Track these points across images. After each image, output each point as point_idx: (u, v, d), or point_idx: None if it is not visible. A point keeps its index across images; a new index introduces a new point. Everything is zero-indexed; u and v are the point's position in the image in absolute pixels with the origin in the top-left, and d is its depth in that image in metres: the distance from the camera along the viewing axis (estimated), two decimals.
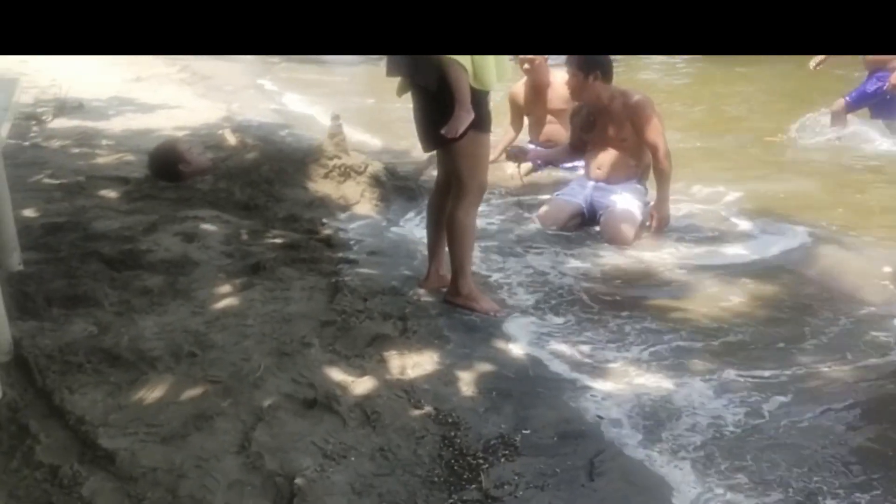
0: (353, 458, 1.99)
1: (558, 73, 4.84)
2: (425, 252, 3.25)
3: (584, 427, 2.23)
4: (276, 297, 2.88)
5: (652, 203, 4.01)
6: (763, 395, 2.42)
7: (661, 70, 9.57)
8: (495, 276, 3.36)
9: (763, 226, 4.11)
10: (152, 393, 2.22)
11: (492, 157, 5.18)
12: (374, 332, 2.64)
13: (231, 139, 5.20)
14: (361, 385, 2.33)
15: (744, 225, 4.14)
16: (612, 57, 4.01)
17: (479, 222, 3.66)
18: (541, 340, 2.78)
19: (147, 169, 4.31)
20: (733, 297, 3.22)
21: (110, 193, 4.10)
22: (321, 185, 4.23)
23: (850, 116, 5.94)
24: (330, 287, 3.00)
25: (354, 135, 5.74)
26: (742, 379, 2.52)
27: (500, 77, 2.86)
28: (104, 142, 5.40)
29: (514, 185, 4.92)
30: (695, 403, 2.38)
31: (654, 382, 2.50)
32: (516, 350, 2.68)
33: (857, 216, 4.23)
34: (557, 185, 4.64)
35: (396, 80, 2.94)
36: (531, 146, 5.12)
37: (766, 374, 2.56)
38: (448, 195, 3.04)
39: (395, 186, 4.38)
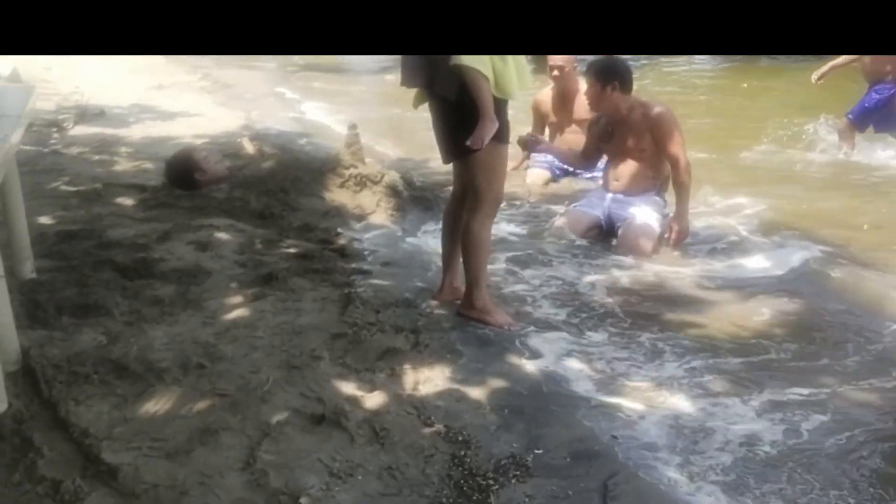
0: (359, 477, 1.94)
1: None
2: (440, 263, 3.20)
3: (598, 447, 2.16)
4: (287, 308, 2.85)
5: (671, 215, 3.93)
6: (787, 414, 2.35)
7: (681, 81, 9.47)
8: (509, 289, 3.30)
9: (782, 240, 4.02)
10: (158, 406, 2.19)
11: (513, 165, 5.18)
12: (386, 346, 2.59)
13: (249, 147, 5.20)
14: (371, 400, 2.28)
15: (763, 238, 4.05)
16: (634, 65, 3.95)
17: (495, 233, 3.62)
18: (555, 355, 2.72)
19: (164, 177, 4.30)
20: (753, 313, 3.14)
21: (126, 201, 4.10)
22: (337, 195, 4.21)
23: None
24: (342, 298, 2.96)
25: (373, 144, 5.72)
26: (767, 399, 2.45)
27: (521, 86, 2.82)
28: (123, 149, 5.42)
29: (532, 195, 4.87)
30: (717, 422, 2.31)
31: (674, 401, 2.43)
32: (530, 365, 2.62)
33: (875, 232, 4.15)
34: (576, 195, 4.58)
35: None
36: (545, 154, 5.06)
37: (789, 393, 2.48)
38: (464, 206, 3.00)
39: (411, 196, 4.34)
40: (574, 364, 2.67)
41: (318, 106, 8.37)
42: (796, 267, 3.64)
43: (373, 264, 3.42)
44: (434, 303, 3.04)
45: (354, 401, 2.27)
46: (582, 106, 4.88)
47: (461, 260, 2.99)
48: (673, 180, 3.92)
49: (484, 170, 2.83)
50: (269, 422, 2.12)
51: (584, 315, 3.08)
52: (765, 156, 5.84)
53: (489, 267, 3.07)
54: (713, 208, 4.63)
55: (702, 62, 10.84)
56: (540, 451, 2.11)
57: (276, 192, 4.12)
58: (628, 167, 3.99)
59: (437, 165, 3.82)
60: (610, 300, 3.23)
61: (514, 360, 2.65)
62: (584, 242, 3.93)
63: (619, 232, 3.93)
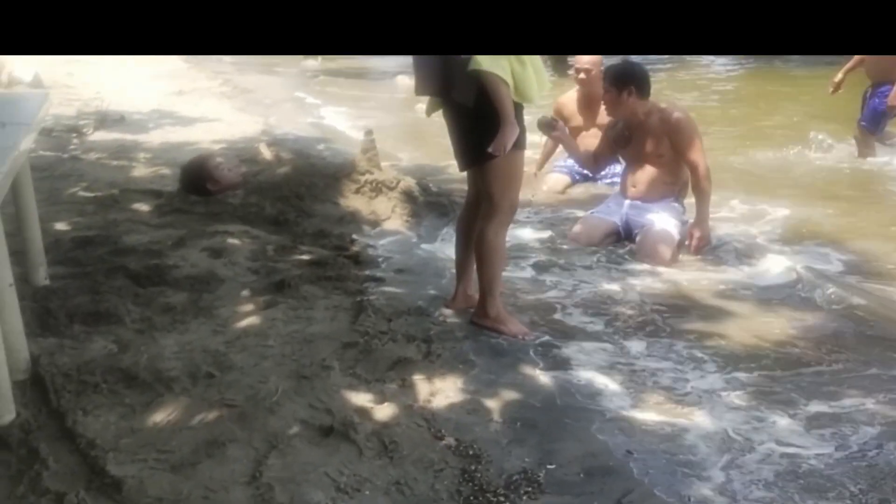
0: (367, 492, 1.90)
1: None
2: (454, 270, 3.15)
3: (612, 463, 2.10)
4: (298, 316, 2.82)
5: (691, 222, 3.86)
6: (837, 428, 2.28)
7: (700, 86, 9.36)
8: (523, 297, 3.25)
9: (806, 247, 3.95)
10: (166, 416, 2.16)
11: (533, 170, 5.13)
12: (397, 356, 2.55)
13: (266, 153, 5.20)
14: (380, 412, 2.24)
15: (786, 246, 3.97)
16: (651, 69, 3.89)
17: (511, 239, 3.58)
18: (570, 366, 2.66)
19: (178, 184, 4.31)
20: (777, 323, 3.06)
21: (142, 207, 4.11)
22: (352, 201, 4.18)
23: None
24: (354, 306, 2.93)
25: (391, 149, 5.70)
26: (809, 412, 2.38)
27: (540, 89, 2.77)
28: (141, 154, 5.44)
29: (549, 200, 4.82)
30: (734, 438, 2.23)
31: (694, 414, 2.36)
32: (544, 377, 2.57)
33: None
34: (593, 201, 4.52)
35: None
36: (567, 161, 5.02)
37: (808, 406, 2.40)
38: (478, 213, 2.96)
39: (427, 202, 4.30)
40: (589, 375, 2.60)
41: (336, 111, 8.38)
42: (823, 275, 3.55)
43: (386, 271, 3.39)
44: (447, 311, 3.00)
45: (364, 412, 2.23)
46: None
47: (475, 268, 2.94)
48: (692, 186, 3.85)
49: (500, 177, 2.78)
50: (276, 434, 2.09)
51: (600, 324, 3.02)
52: (785, 162, 5.75)
53: (503, 275, 3.02)
54: (734, 213, 4.55)
55: (722, 65, 10.73)
56: (552, 467, 2.06)
57: (291, 198, 4.10)
58: (646, 173, 3.93)
59: (454, 171, 3.77)
60: (628, 309, 3.17)
61: (528, 370, 2.60)
62: (600, 250, 3.87)
63: (638, 239, 3.86)
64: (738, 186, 4.92)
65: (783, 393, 2.50)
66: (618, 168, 4.50)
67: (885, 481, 2.04)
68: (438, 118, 2.90)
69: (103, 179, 4.62)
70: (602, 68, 4.84)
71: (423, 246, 3.86)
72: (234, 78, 10.05)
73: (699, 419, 2.34)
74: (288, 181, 4.28)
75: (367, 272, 3.33)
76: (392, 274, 3.36)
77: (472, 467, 2.02)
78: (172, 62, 10.55)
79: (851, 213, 4.61)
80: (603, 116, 4.81)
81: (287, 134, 6.47)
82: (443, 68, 2.69)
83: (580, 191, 5.01)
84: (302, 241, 3.66)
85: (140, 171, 5.00)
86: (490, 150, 2.66)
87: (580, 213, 4.30)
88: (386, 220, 4.09)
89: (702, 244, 3.79)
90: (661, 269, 3.62)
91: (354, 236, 3.82)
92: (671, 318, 3.10)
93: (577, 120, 4.95)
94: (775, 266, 3.67)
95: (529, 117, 2.88)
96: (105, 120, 6.47)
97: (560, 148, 5.11)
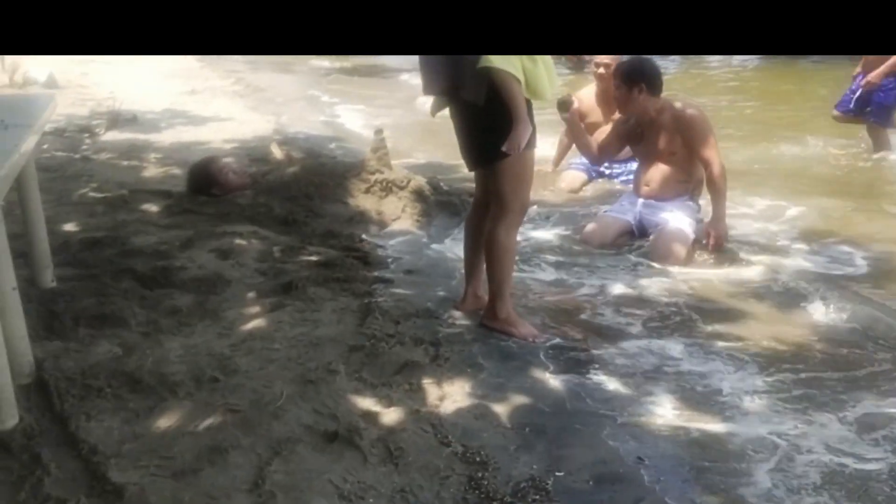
0: (371, 500, 1.87)
1: None
2: (464, 271, 3.11)
3: (622, 470, 2.05)
4: (305, 318, 2.79)
5: (707, 221, 3.79)
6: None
7: (716, 83, 9.24)
8: (533, 298, 3.20)
9: (828, 245, 3.87)
10: (169, 421, 2.14)
11: (549, 168, 5.08)
12: (404, 359, 2.51)
13: (277, 152, 5.18)
14: (386, 417, 2.21)
15: (807, 244, 3.89)
16: (665, 66, 3.83)
17: (523, 239, 3.53)
18: (581, 369, 2.61)
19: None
20: (791, 323, 3.00)
21: (152, 207, 4.09)
22: (362, 201, 4.15)
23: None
24: (362, 308, 2.89)
25: (402, 148, 5.67)
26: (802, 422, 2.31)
27: (550, 86, 2.72)
28: (152, 155, 5.43)
29: (564, 198, 4.76)
30: (748, 445, 2.18)
31: (704, 420, 2.31)
32: (553, 380, 2.52)
33: None
34: (609, 199, 4.46)
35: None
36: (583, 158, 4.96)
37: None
38: (486, 214, 2.91)
39: (437, 202, 4.26)
40: (600, 378, 2.55)
41: (349, 109, 8.36)
42: (848, 273, 3.48)
43: (395, 272, 3.35)
44: (456, 313, 2.96)
45: (369, 418, 2.19)
46: None
47: (484, 269, 2.90)
48: (707, 184, 3.79)
49: (511, 177, 2.73)
50: (280, 439, 2.05)
51: (613, 326, 2.97)
52: (802, 159, 5.66)
53: (513, 275, 2.97)
54: (753, 209, 4.47)
55: (737, 62, 10.59)
56: (561, 474, 2.01)
57: (301, 198, 4.07)
58: (659, 171, 3.86)
59: (466, 170, 3.73)
60: (642, 310, 3.11)
61: (538, 374, 2.55)
62: (614, 250, 3.81)
63: (652, 238, 3.80)
64: (756, 183, 4.85)
65: (806, 395, 2.45)
66: (634, 165, 4.44)
67: None
68: (447, 115, 2.85)
69: (113, 180, 4.61)
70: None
71: (433, 246, 3.82)
72: (247, 76, 10.05)
73: (714, 424, 2.28)
74: (297, 181, 4.25)
75: (376, 273, 3.30)
76: (401, 275, 3.33)
77: (479, 474, 1.98)
78: (185, 61, 10.57)
79: (871, 209, 4.53)
80: None
81: (299, 133, 6.45)
82: (451, 67, 2.64)
83: (597, 188, 4.96)
84: (310, 242, 3.63)
85: (150, 171, 4.99)
86: (504, 148, 2.61)
87: (594, 212, 4.25)
88: (396, 220, 4.05)
89: (719, 243, 3.72)
90: (676, 269, 3.56)
91: (363, 236, 3.79)
92: (688, 319, 3.04)
93: (596, 115, 4.88)
94: (799, 263, 3.61)
95: (539, 118, 2.82)
96: (117, 120, 6.48)
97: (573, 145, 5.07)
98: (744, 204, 4.48)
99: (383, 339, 2.62)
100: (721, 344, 2.82)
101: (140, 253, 3.35)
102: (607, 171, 5.02)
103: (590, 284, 3.39)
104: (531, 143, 2.73)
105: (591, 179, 5.04)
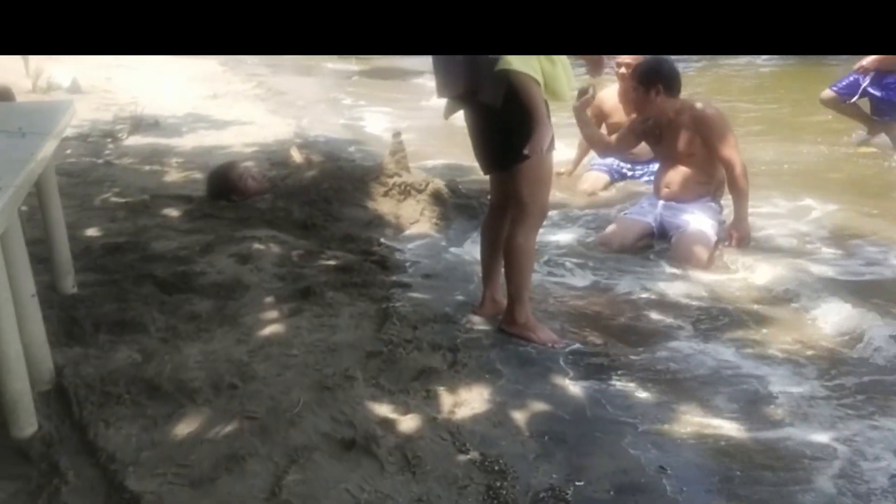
0: None
1: None
2: (481, 276, 3.08)
3: (644, 479, 2.01)
4: (323, 324, 2.78)
5: (729, 222, 3.74)
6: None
7: (738, 81, 9.12)
8: (552, 302, 3.16)
9: (857, 245, 3.78)
10: (187, 429, 2.13)
11: (566, 170, 5.03)
12: (422, 365, 2.49)
13: (297, 156, 5.18)
14: (404, 424, 2.19)
15: (833, 246, 3.82)
16: (685, 67, 3.78)
17: (542, 242, 3.49)
18: (602, 376, 2.57)
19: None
20: (816, 327, 2.94)
21: (172, 212, 4.11)
22: (380, 204, 4.14)
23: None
24: (379, 314, 2.87)
25: (422, 150, 5.65)
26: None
27: (568, 86, 2.69)
28: (174, 159, 5.47)
29: (585, 200, 4.72)
30: (782, 457, 2.12)
31: (730, 428, 2.26)
32: (573, 387, 2.49)
33: None
34: (631, 200, 4.42)
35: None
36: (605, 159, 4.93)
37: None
38: (503, 217, 2.89)
39: (456, 205, 4.24)
40: (621, 385, 2.52)
41: (369, 112, 8.35)
42: (886, 276, 3.40)
43: (413, 276, 3.34)
44: (475, 318, 2.93)
45: (387, 425, 2.17)
46: None
47: (502, 272, 2.87)
48: (728, 184, 3.73)
49: (531, 180, 2.70)
50: (297, 447, 2.04)
51: (633, 331, 2.93)
52: (826, 159, 5.56)
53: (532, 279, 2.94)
54: (779, 209, 4.39)
55: (761, 61, 10.44)
56: (581, 484, 1.98)
57: (319, 203, 4.07)
58: (679, 173, 3.82)
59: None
60: (662, 315, 3.07)
61: (557, 380, 2.52)
62: (633, 252, 3.77)
63: (673, 241, 3.75)
64: (781, 184, 4.76)
65: (852, 403, 2.39)
66: (657, 166, 4.39)
67: None
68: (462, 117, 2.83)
69: (135, 185, 4.64)
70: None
71: (452, 250, 3.80)
72: (268, 80, 10.09)
73: (735, 431, 2.24)
74: (316, 185, 4.25)
75: (394, 278, 3.28)
76: (419, 279, 3.31)
77: (498, 483, 1.95)
78: (208, 65, 10.65)
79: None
80: None
81: (319, 136, 6.46)
82: (467, 68, 2.62)
83: (619, 189, 4.91)
84: (329, 246, 3.62)
85: (172, 175, 5.02)
86: (526, 151, 2.58)
87: (615, 214, 4.20)
88: (414, 224, 4.04)
89: (741, 244, 3.67)
90: (698, 271, 3.51)
91: (382, 240, 3.78)
92: (712, 323, 3.00)
93: (619, 115, 4.83)
94: (826, 265, 3.54)
95: (556, 119, 2.79)
96: (140, 124, 6.53)
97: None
98: (769, 205, 4.40)
99: (401, 345, 2.60)
100: (747, 349, 2.77)
101: (160, 258, 3.36)
102: (629, 173, 4.97)
103: (610, 288, 3.35)
104: (550, 146, 2.70)
105: (613, 181, 4.99)
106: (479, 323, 2.90)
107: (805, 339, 2.86)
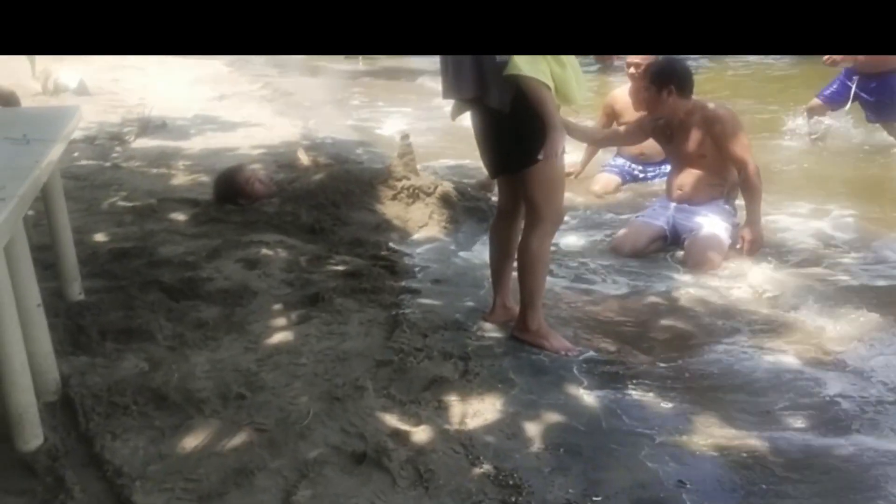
0: None
1: None
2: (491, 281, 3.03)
3: (663, 494, 1.96)
4: (332, 332, 2.73)
5: (742, 224, 3.68)
6: None
7: (753, 82, 9.03)
8: (564, 308, 3.11)
9: (879, 247, 3.71)
10: (195, 441, 2.09)
11: (574, 171, 4.98)
12: (433, 374, 2.45)
13: (304, 158, 5.14)
14: (415, 436, 2.14)
15: (855, 248, 3.75)
16: (695, 65, 3.73)
17: (553, 246, 3.42)
18: (617, 385, 2.52)
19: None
20: (830, 335, 2.87)
21: (179, 216, 4.08)
22: (389, 208, 4.09)
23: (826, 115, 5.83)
24: (389, 321, 2.83)
25: (430, 152, 5.61)
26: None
27: (580, 89, 2.64)
28: (181, 162, 5.43)
29: (597, 202, 4.67)
30: (807, 469, 2.07)
31: (749, 441, 2.20)
32: (588, 397, 2.44)
33: None
34: (644, 202, 4.36)
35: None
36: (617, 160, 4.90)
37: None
38: (512, 222, 2.85)
39: (465, 208, 4.19)
40: (637, 394, 2.47)
41: (376, 112, 8.31)
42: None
43: (422, 282, 3.29)
44: (486, 325, 2.88)
45: (398, 437, 2.13)
46: None
47: (512, 278, 2.82)
48: (741, 185, 3.67)
49: (543, 184, 2.65)
50: (306, 461, 2.00)
51: (647, 338, 2.88)
52: (845, 161, 5.48)
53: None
54: (800, 210, 4.32)
55: (775, 61, 10.34)
56: (598, 499, 1.93)
57: (327, 206, 4.03)
58: (691, 175, 3.76)
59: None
60: (677, 321, 3.01)
61: (572, 390, 2.47)
62: (645, 256, 3.71)
63: (686, 245, 3.69)
64: (798, 187, 4.69)
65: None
66: (669, 168, 4.34)
67: None
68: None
69: (142, 188, 4.61)
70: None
71: (461, 254, 3.75)
72: (275, 80, 10.05)
73: (757, 443, 2.18)
74: (324, 188, 4.21)
75: (403, 283, 3.24)
76: (429, 285, 3.26)
77: (513, 499, 1.91)
78: (214, 66, 10.62)
79: None
80: None
81: (326, 137, 6.42)
82: (475, 72, 2.57)
83: (631, 191, 4.85)
84: (337, 251, 3.58)
85: (179, 178, 4.98)
86: (540, 157, 2.54)
87: (627, 217, 4.15)
88: (423, 227, 3.99)
89: (754, 248, 3.61)
90: (712, 276, 3.45)
91: (390, 244, 3.73)
92: (728, 329, 2.95)
93: (630, 114, 4.76)
94: (840, 269, 3.48)
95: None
96: (147, 127, 6.50)
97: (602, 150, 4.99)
98: (789, 205, 4.33)
99: (411, 354, 2.56)
100: (764, 357, 2.71)
101: (167, 263, 3.32)
102: (641, 175, 4.92)
103: (622, 294, 3.30)
104: (562, 150, 2.65)
105: (625, 182, 4.94)
106: (490, 330, 2.85)
107: (821, 346, 2.80)
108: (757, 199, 3.61)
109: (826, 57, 5.56)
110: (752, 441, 2.20)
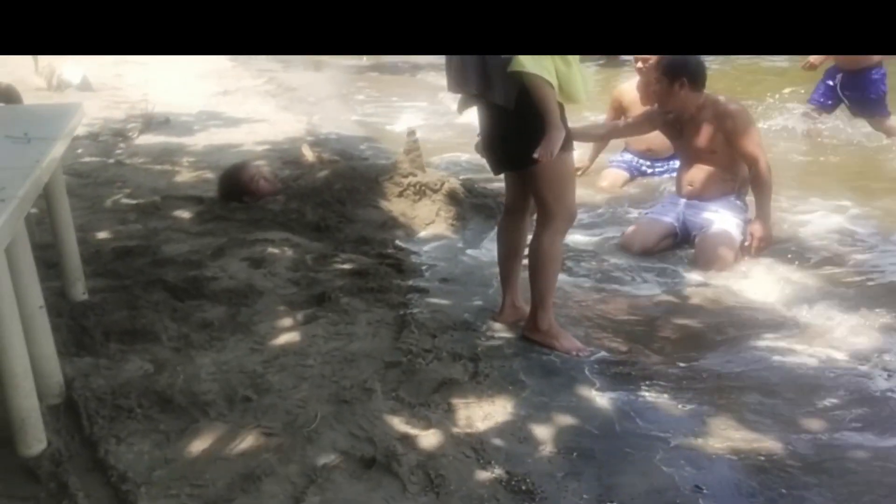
0: None
1: None
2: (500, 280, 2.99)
3: (679, 500, 1.92)
4: (339, 332, 2.69)
5: (752, 220, 3.62)
6: None
7: (765, 78, 8.95)
8: (574, 307, 3.07)
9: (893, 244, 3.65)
10: (201, 445, 2.06)
11: (582, 166, 4.92)
12: (442, 376, 2.41)
13: (308, 154, 5.09)
14: (425, 440, 2.10)
15: (874, 247, 3.68)
16: (708, 60, 3.67)
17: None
18: (630, 386, 2.47)
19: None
20: (846, 334, 2.82)
21: (183, 214, 4.03)
22: (395, 205, 4.05)
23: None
24: (397, 321, 2.79)
25: (437, 147, 5.56)
26: None
27: (584, 88, 2.59)
28: (185, 159, 5.39)
29: (605, 199, 4.61)
30: (826, 472, 2.02)
31: (767, 444, 2.16)
32: (601, 398, 2.39)
33: None
34: (652, 197, 4.31)
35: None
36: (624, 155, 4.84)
37: None
38: (519, 220, 2.81)
39: (472, 204, 4.14)
40: (651, 396, 2.42)
41: (381, 107, 8.25)
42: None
43: (430, 281, 3.25)
44: (495, 325, 2.84)
45: (407, 441, 2.09)
46: None
47: (522, 277, 2.78)
48: (751, 181, 3.62)
49: (552, 182, 2.61)
50: (315, 466, 1.96)
51: (659, 338, 2.83)
52: (861, 156, 5.41)
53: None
54: (814, 207, 4.25)
55: (785, 58, 10.25)
56: None
57: (333, 204, 3.98)
58: (701, 170, 3.71)
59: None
60: (689, 320, 2.97)
61: (584, 391, 2.43)
62: (656, 254, 3.66)
63: (696, 242, 3.64)
64: (813, 183, 4.63)
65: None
66: (677, 163, 4.28)
67: None
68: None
69: (146, 185, 4.57)
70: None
71: (469, 252, 3.70)
72: (279, 75, 10.00)
73: (775, 446, 2.14)
74: (329, 185, 4.16)
75: (411, 282, 3.19)
76: (436, 284, 3.22)
77: None
78: (218, 62, 10.56)
79: None
80: None
81: (331, 133, 6.37)
82: (480, 68, 2.52)
83: (639, 186, 4.79)
84: (343, 249, 3.53)
85: (183, 175, 4.94)
86: (536, 155, 2.49)
87: (636, 213, 4.09)
88: (429, 224, 3.94)
89: (764, 244, 3.55)
90: (724, 274, 3.40)
91: (397, 242, 3.69)
92: (741, 329, 2.89)
93: (638, 109, 4.71)
94: (854, 267, 3.41)
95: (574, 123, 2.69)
96: (151, 123, 6.46)
97: (609, 142, 4.92)
98: (803, 202, 4.27)
99: (420, 355, 2.52)
100: (779, 356, 2.66)
101: (172, 262, 3.28)
102: (649, 170, 4.86)
103: (633, 292, 3.25)
104: (569, 146, 2.61)
105: (632, 178, 4.88)
106: (499, 330, 2.80)
107: (838, 346, 2.75)
108: (767, 196, 3.56)
109: (802, 62, 5.63)
110: (770, 444, 2.15)
